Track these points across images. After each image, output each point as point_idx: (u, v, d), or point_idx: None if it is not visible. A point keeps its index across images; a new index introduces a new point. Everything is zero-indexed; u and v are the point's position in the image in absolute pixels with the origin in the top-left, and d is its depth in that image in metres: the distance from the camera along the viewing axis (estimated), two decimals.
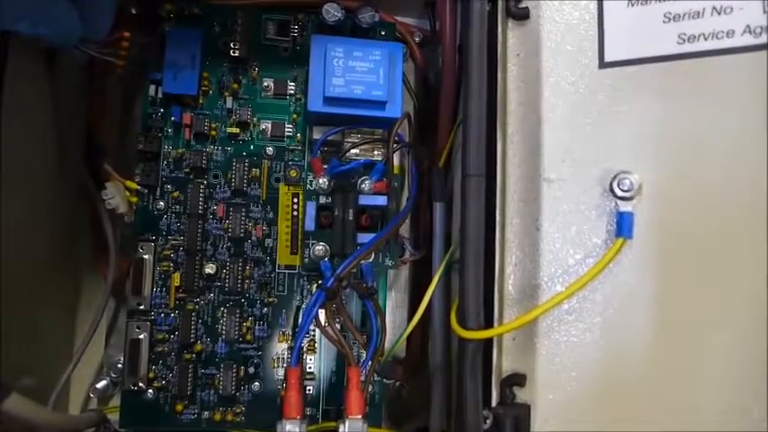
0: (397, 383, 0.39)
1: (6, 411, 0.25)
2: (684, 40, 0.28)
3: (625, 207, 0.27)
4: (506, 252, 0.29)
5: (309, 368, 0.37)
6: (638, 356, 0.27)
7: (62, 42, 0.28)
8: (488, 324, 0.28)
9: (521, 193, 0.30)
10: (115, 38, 0.32)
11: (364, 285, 0.35)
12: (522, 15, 0.31)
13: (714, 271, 0.27)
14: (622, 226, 0.27)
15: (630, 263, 0.28)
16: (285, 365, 0.36)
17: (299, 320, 0.36)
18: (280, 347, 0.36)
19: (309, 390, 0.36)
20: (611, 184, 0.28)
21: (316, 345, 0.37)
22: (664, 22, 0.29)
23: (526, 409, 0.28)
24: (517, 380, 0.28)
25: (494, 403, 0.28)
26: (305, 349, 0.37)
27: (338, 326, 0.35)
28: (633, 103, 0.29)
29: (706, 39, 0.28)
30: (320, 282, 0.35)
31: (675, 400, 0.27)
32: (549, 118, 0.30)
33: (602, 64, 0.30)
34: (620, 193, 0.28)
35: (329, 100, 0.35)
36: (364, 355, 0.35)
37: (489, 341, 0.28)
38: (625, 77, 0.29)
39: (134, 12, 0.34)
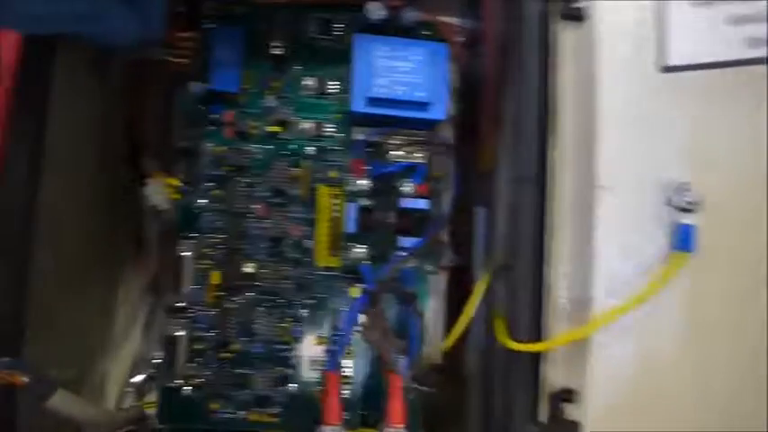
0: (433, 391, 0.38)
1: (52, 407, 0.25)
2: (752, 45, 0.27)
3: (686, 219, 0.26)
4: (557, 262, 0.28)
5: (346, 372, 0.36)
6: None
7: (117, 43, 0.28)
8: (537, 336, 0.27)
9: (573, 200, 0.29)
10: (177, 37, 0.32)
11: (404, 290, 0.34)
12: (577, 16, 0.30)
13: None
14: (683, 239, 0.26)
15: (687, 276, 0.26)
16: (321, 368, 0.35)
17: (337, 323, 0.36)
18: (316, 350, 0.36)
19: (346, 394, 0.36)
20: (670, 195, 0.27)
21: (352, 348, 0.36)
22: (730, 24, 0.27)
23: (575, 426, 0.27)
24: (566, 395, 0.27)
25: (541, 418, 0.27)
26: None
27: (377, 331, 0.34)
28: (695, 110, 0.27)
29: None
30: (359, 285, 0.34)
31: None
32: (604, 123, 0.29)
33: (663, 68, 0.28)
34: (680, 205, 0.26)
35: (372, 100, 0.34)
36: (402, 361, 0.34)
37: (536, 353, 0.27)
38: (687, 82, 0.28)
39: (181, 11, 0.34)
